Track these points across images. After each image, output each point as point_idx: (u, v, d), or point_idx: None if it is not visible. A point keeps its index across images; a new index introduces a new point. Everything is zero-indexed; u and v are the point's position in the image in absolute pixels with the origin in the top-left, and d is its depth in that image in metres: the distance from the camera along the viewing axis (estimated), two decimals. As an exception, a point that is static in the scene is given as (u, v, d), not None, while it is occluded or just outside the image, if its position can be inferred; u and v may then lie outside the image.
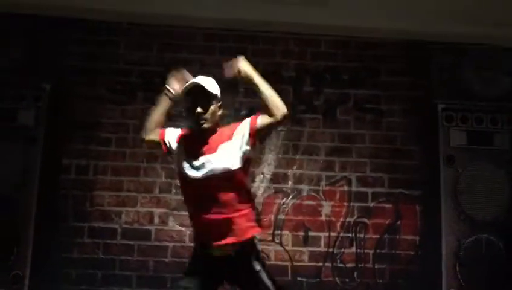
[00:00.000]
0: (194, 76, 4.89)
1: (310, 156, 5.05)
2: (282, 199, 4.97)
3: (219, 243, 2.83)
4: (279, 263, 4.86)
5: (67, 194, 4.89)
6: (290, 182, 5.00)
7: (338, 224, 4.93)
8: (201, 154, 2.85)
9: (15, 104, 4.68)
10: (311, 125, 5.09)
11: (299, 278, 4.82)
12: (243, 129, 2.94)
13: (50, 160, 4.82)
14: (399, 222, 4.97)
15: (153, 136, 3.15)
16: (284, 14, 4.95)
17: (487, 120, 5.09)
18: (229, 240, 2.84)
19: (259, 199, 4.97)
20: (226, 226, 2.81)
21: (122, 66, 5.10)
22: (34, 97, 4.70)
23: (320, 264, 4.88)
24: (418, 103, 5.14)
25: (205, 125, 2.87)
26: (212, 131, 2.95)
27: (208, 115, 2.87)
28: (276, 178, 5.02)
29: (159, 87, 4.99)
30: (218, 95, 3.02)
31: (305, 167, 5.03)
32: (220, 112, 3.03)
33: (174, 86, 3.10)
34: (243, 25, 5.14)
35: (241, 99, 5.11)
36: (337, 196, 5.00)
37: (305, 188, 4.96)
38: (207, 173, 2.80)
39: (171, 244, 4.87)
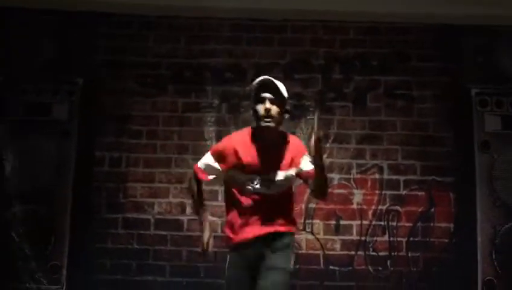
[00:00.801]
0: (222, 66, 4.95)
1: (341, 144, 5.00)
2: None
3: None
4: (311, 251, 4.86)
5: (101, 186, 4.98)
6: (320, 171, 4.97)
7: (370, 212, 4.89)
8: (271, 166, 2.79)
9: (49, 99, 4.80)
10: (341, 113, 5.05)
11: (331, 267, 4.81)
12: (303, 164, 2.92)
13: (84, 153, 4.92)
14: (432, 210, 4.89)
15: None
16: (311, 1, 4.91)
17: (521, 104, 4.96)
18: None
19: (289, 188, 4.96)
20: None
21: (151, 59, 5.14)
22: (67, 92, 4.80)
23: (353, 252, 4.85)
24: (450, 88, 5.04)
25: (269, 124, 2.75)
26: (275, 134, 2.84)
27: (274, 114, 2.76)
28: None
29: (188, 79, 5.14)
30: (286, 98, 2.91)
31: (335, 155, 5.00)
32: (285, 117, 2.90)
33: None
34: (269, 14, 5.12)
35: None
36: (369, 184, 4.95)
37: (336, 176, 4.93)
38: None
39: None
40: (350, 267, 4.82)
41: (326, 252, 4.85)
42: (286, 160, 2.80)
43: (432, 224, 4.87)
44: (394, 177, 4.94)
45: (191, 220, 4.94)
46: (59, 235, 4.67)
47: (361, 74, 5.08)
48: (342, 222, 4.87)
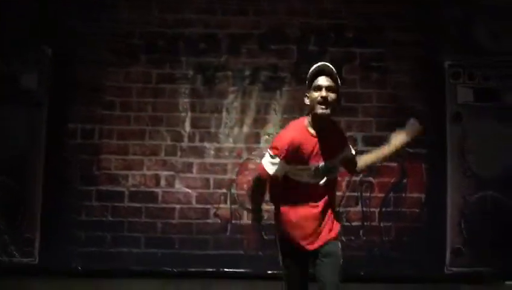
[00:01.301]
0: (197, 37, 4.86)
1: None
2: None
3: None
4: (286, 222, 4.90)
5: (73, 158, 4.91)
6: (295, 143, 4.98)
7: (343, 183, 4.94)
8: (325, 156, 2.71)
9: (18, 69, 4.68)
10: (316, 84, 5.03)
11: (305, 237, 4.86)
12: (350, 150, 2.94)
13: (55, 124, 4.85)
14: (405, 180, 4.98)
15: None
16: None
17: (494, 76, 5.02)
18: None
19: (264, 160, 4.97)
20: None
21: (124, 28, 5.02)
22: (36, 61, 4.68)
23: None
24: (425, 60, 5.06)
25: (325, 111, 2.63)
26: (329, 122, 2.75)
27: (331, 101, 2.65)
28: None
29: (162, 50, 5.05)
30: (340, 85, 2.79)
31: None
32: (340, 104, 2.79)
33: None
34: (245, -17, 5.03)
35: (245, 60, 5.05)
36: (343, 155, 4.98)
37: (310, 148, 4.95)
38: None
39: (178, 206, 4.92)
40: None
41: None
42: (339, 147, 2.81)
43: (403, 195, 4.96)
44: (368, 148, 4.96)
45: (165, 192, 4.94)
46: (31, 208, 4.63)
47: (336, 46, 5.05)
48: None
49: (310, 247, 2.73)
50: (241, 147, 5.00)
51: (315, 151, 2.68)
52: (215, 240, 4.90)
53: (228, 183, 4.96)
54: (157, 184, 4.95)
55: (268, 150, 2.74)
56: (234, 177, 4.97)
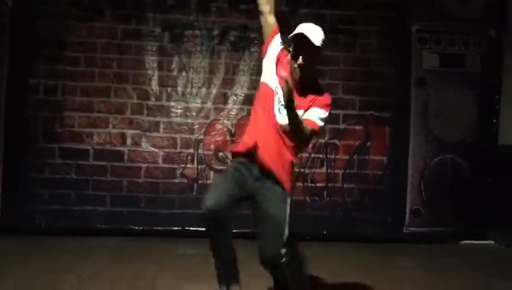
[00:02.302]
0: None
1: (283, 77, 4.99)
2: (255, 120, 4.98)
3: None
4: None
5: (35, 115, 4.79)
6: (263, 104, 4.99)
7: (309, 145, 4.99)
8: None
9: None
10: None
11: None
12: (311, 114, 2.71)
13: (16, 80, 4.69)
14: (368, 143, 5.08)
15: (269, 17, 2.89)
16: None
17: (460, 42, 5.12)
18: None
19: (231, 121, 4.98)
20: None
21: (88, -19, 4.83)
22: (-5, 13, 4.47)
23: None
24: (393, 24, 5.09)
25: (301, 74, 2.64)
26: (308, 79, 2.72)
27: (306, 67, 2.62)
28: (249, 100, 4.99)
29: (127, 5, 4.89)
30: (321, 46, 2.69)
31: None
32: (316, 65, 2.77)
33: None
34: None
35: (214, 19, 4.97)
36: (310, 117, 5.02)
37: (278, 109, 4.96)
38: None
39: (144, 165, 4.90)
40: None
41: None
42: (305, 102, 2.69)
43: (367, 157, 5.07)
44: (334, 111, 5.01)
45: (131, 151, 4.90)
46: (-9, 165, 4.52)
47: (306, 7, 5.01)
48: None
49: (260, 158, 2.62)
50: (208, 108, 4.97)
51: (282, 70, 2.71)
52: (181, 199, 4.92)
53: (195, 143, 4.95)
54: (123, 143, 4.90)
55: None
56: (201, 137, 4.96)
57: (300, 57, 2.62)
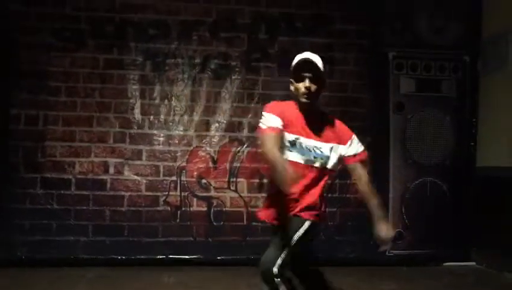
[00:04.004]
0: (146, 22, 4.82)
1: (265, 104, 5.04)
2: (238, 147, 5.03)
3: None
4: (235, 209, 4.99)
5: (17, 145, 4.77)
6: (245, 131, 5.05)
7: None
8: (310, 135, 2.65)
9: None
10: (266, 73, 5.10)
11: (254, 223, 4.94)
12: (353, 148, 2.78)
13: (-3, 110, 4.68)
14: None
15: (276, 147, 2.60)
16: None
17: (436, 68, 5.27)
18: None
19: (214, 148, 5.02)
20: None
21: (70, 12, 4.88)
22: (-24, 44, 4.48)
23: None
24: (370, 51, 5.22)
25: (307, 101, 2.63)
26: (314, 109, 2.71)
27: (313, 91, 2.63)
28: (231, 127, 5.05)
29: (109, 35, 4.95)
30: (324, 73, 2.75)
31: (259, 115, 4.99)
32: (323, 92, 2.74)
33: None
34: (195, -31, 5.00)
35: (195, 47, 5.04)
36: (291, 143, 5.08)
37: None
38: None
39: (127, 194, 4.89)
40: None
41: (250, 209, 4.99)
42: (329, 133, 2.69)
43: (348, 181, 5.11)
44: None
45: (114, 179, 4.88)
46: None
47: (286, 35, 5.12)
48: (265, 180, 5.00)
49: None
50: (191, 135, 5.00)
51: (299, 124, 2.67)
52: (164, 227, 4.91)
53: (178, 170, 4.97)
54: (106, 171, 4.89)
55: (263, 113, 2.71)
56: (184, 164, 4.98)
57: (307, 80, 2.64)
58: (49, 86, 4.83)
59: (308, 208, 2.67)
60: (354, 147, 2.81)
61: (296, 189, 2.59)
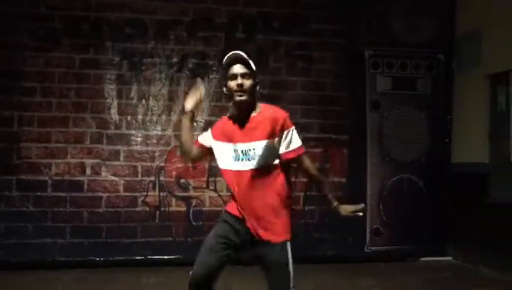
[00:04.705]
0: (123, 21, 4.77)
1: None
2: (216, 146, 5.02)
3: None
4: (214, 208, 4.96)
5: (-9, 147, 4.68)
6: (223, 130, 5.03)
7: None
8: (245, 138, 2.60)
9: None
10: (243, 72, 5.09)
11: (233, 222, 4.95)
12: (286, 137, 2.60)
13: (-30, 111, 4.58)
14: (327, 166, 5.19)
15: (194, 153, 2.75)
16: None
17: (411, 66, 5.35)
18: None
19: (193, 147, 4.99)
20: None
21: (44, 11, 4.81)
22: None
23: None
24: (346, 50, 5.27)
25: (242, 98, 2.59)
26: (250, 106, 2.63)
27: (247, 88, 2.58)
28: (209, 126, 4.97)
29: (85, 34, 4.89)
30: (255, 70, 2.66)
31: None
32: (257, 88, 2.67)
33: (190, 103, 2.76)
34: (171, -32, 4.98)
35: (172, 46, 5.03)
36: (270, 142, 5.09)
37: (238, 135, 5.02)
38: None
39: (104, 195, 4.84)
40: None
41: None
42: (264, 130, 2.58)
43: (326, 179, 5.16)
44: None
45: (91, 180, 4.83)
46: None
47: (263, 34, 5.13)
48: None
49: (255, 231, 2.56)
50: (169, 135, 4.98)
51: (235, 132, 2.63)
52: (143, 228, 4.88)
53: (156, 170, 4.94)
54: (83, 172, 4.83)
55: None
56: (162, 164, 4.96)
57: (239, 77, 2.60)
58: (23, 86, 4.76)
59: (277, 229, 2.58)
60: (289, 141, 2.62)
61: (250, 200, 2.56)
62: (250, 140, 2.59)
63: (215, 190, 5.01)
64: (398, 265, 5.06)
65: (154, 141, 4.97)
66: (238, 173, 2.60)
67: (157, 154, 4.96)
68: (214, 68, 5.06)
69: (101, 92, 4.89)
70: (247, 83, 2.61)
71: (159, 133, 4.97)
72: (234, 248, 2.61)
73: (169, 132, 4.98)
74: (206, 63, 5.05)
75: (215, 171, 4.98)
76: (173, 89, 5.02)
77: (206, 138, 2.74)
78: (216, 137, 2.69)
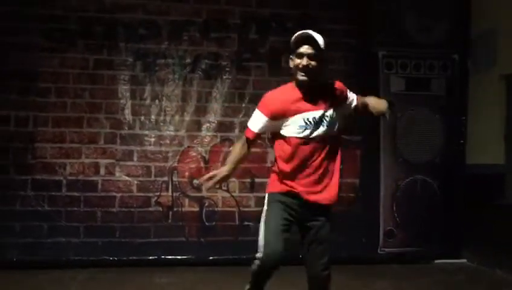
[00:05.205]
0: (136, 22, 4.80)
1: (256, 104, 4.98)
2: (229, 147, 5.01)
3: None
4: (227, 209, 4.98)
5: (7, 147, 4.73)
6: (236, 131, 5.04)
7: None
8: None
9: None
10: (256, 73, 5.10)
11: (245, 223, 4.96)
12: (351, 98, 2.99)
13: (-14, 111, 4.63)
14: (341, 166, 5.12)
15: (251, 147, 2.85)
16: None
17: (425, 66, 5.30)
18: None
19: (205, 148, 5.01)
20: None
21: (59, 12, 4.84)
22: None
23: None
24: (359, 50, 5.23)
25: (305, 78, 2.62)
26: (314, 85, 2.69)
27: (312, 69, 2.61)
28: (222, 127, 5.05)
29: (99, 35, 4.92)
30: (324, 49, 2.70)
31: (251, 114, 4.98)
32: (325, 66, 2.73)
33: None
34: (185, -30, 5.00)
35: (185, 47, 5.04)
36: (283, 142, 5.08)
37: (251, 136, 5.01)
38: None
39: (118, 195, 4.87)
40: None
41: (242, 209, 4.99)
42: (332, 102, 2.74)
43: (340, 180, 5.12)
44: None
45: (105, 180, 4.86)
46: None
47: (276, 35, 5.12)
48: (257, 180, 5.01)
49: (309, 197, 2.71)
50: (182, 135, 4.99)
51: (301, 105, 2.69)
52: (156, 228, 4.89)
53: (169, 171, 4.95)
54: (97, 172, 4.86)
55: (256, 109, 2.80)
56: (175, 165, 4.97)
57: (305, 57, 2.62)
58: (38, 86, 4.80)
59: (331, 203, 2.82)
60: (351, 96, 2.98)
61: (316, 170, 2.71)
62: (322, 108, 2.68)
63: (227, 191, 5.01)
64: (412, 267, 5.02)
65: (168, 142, 4.98)
66: (307, 140, 2.67)
67: (170, 154, 4.97)
68: (227, 69, 5.05)
69: (115, 93, 4.91)
70: (313, 63, 2.63)
71: (172, 133, 4.98)
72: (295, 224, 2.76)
73: (183, 132, 5.00)
74: (219, 64, 5.05)
75: (227, 172, 4.99)
76: (186, 89, 5.02)
77: (261, 125, 2.75)
78: (275, 116, 2.70)
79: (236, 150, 2.87)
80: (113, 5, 4.93)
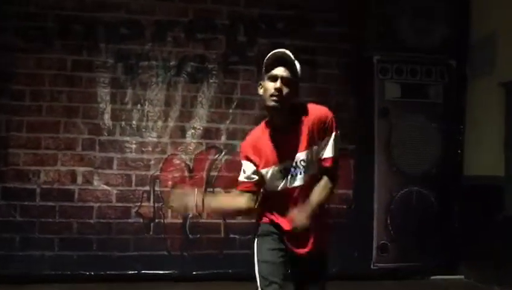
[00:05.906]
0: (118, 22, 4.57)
1: (244, 109, 4.86)
2: (215, 155, 4.81)
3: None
4: (212, 221, 4.75)
5: (-24, 153, 4.47)
6: (222, 138, 4.83)
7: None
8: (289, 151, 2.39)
9: None
10: (244, 77, 4.89)
11: (231, 235, 4.75)
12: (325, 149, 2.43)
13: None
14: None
15: (254, 199, 2.53)
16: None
17: (422, 72, 5.11)
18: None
19: (190, 156, 4.78)
20: None
21: (35, 10, 4.60)
22: None
23: (253, 221, 4.77)
24: (353, 54, 5.04)
25: (277, 104, 2.31)
26: (286, 115, 2.39)
27: (285, 95, 2.31)
28: (208, 133, 4.83)
29: (78, 35, 4.68)
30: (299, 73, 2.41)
31: (238, 121, 4.85)
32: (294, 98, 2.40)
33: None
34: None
35: (170, 49, 4.81)
36: (272, 150, 4.87)
37: (238, 143, 4.79)
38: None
39: (96, 205, 4.62)
40: (250, 236, 4.74)
41: (227, 221, 4.77)
42: (303, 139, 2.38)
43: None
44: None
45: (82, 189, 4.61)
46: None
47: (266, 37, 4.91)
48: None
49: (299, 251, 2.51)
50: (165, 142, 4.76)
51: (271, 155, 2.40)
52: (136, 240, 4.65)
53: (151, 180, 4.71)
54: (73, 181, 4.61)
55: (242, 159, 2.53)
56: (158, 173, 4.73)
57: (279, 81, 2.32)
58: (12, 89, 4.55)
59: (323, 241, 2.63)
60: (327, 148, 2.43)
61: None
62: (295, 153, 2.38)
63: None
64: (406, 283, 4.82)
65: (150, 149, 4.74)
66: (285, 190, 2.42)
67: (152, 162, 4.73)
68: (214, 72, 4.84)
69: (94, 96, 4.67)
70: (287, 90, 2.33)
71: (155, 140, 4.75)
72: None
73: (166, 139, 4.77)
74: (205, 66, 4.84)
75: (213, 181, 4.78)
76: (170, 93, 4.80)
77: (252, 174, 2.46)
78: (258, 163, 2.44)
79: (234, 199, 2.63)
80: (93, 2, 4.70)
